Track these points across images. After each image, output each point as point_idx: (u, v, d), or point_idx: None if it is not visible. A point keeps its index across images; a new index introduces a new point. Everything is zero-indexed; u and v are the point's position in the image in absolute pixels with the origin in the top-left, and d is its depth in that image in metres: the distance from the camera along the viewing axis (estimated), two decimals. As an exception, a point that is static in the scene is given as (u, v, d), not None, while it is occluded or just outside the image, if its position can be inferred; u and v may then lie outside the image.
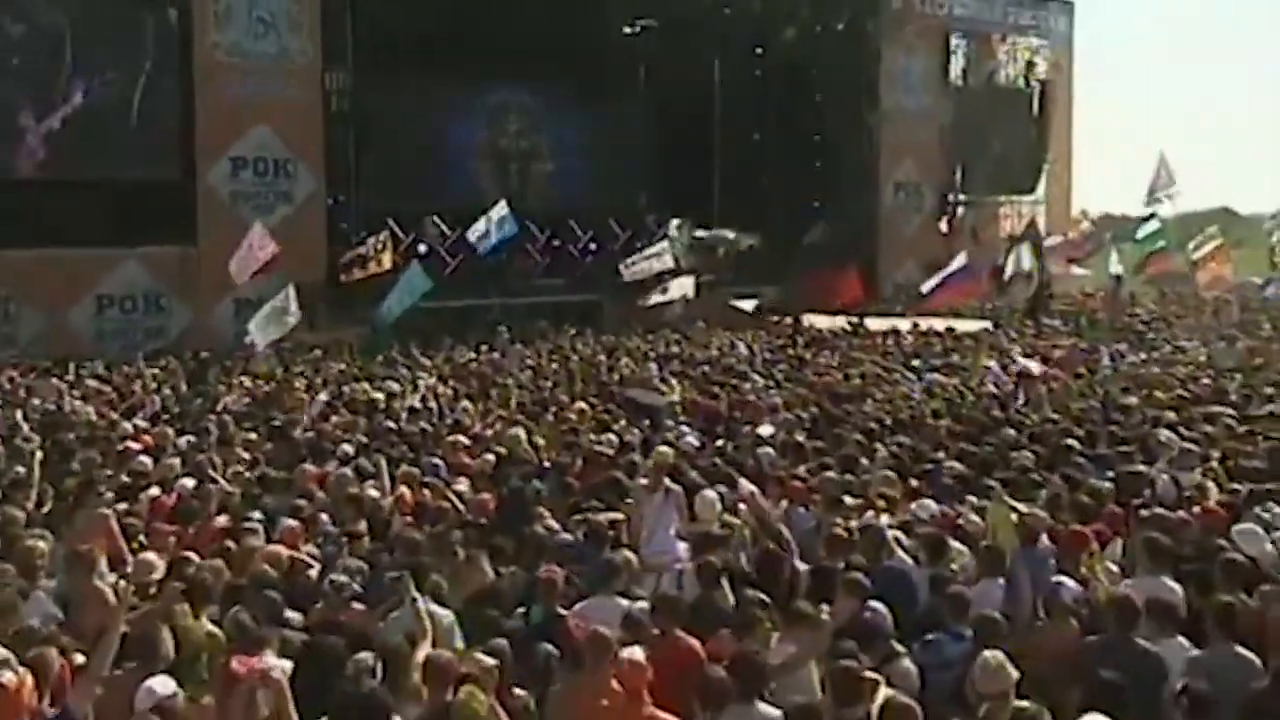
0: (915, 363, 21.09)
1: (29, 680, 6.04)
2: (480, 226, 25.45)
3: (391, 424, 14.60)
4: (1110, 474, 11.07)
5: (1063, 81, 44.05)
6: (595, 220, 36.92)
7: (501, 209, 25.30)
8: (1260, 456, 11.54)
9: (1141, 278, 34.08)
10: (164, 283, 27.72)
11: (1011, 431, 13.33)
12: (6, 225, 25.53)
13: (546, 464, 12.14)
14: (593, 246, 36.59)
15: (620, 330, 27.40)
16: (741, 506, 10.19)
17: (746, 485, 10.52)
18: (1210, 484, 10.61)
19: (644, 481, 9.65)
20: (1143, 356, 21.48)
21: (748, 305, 32.46)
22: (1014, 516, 8.22)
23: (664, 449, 11.34)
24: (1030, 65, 42.57)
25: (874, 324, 27.90)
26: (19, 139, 26.47)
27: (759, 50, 39.28)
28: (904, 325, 27.35)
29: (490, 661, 6.13)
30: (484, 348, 24.04)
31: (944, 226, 39.78)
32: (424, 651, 6.44)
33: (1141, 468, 11.34)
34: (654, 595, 7.43)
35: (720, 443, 13.32)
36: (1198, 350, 22.04)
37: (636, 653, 6.17)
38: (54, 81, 26.61)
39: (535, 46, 32.24)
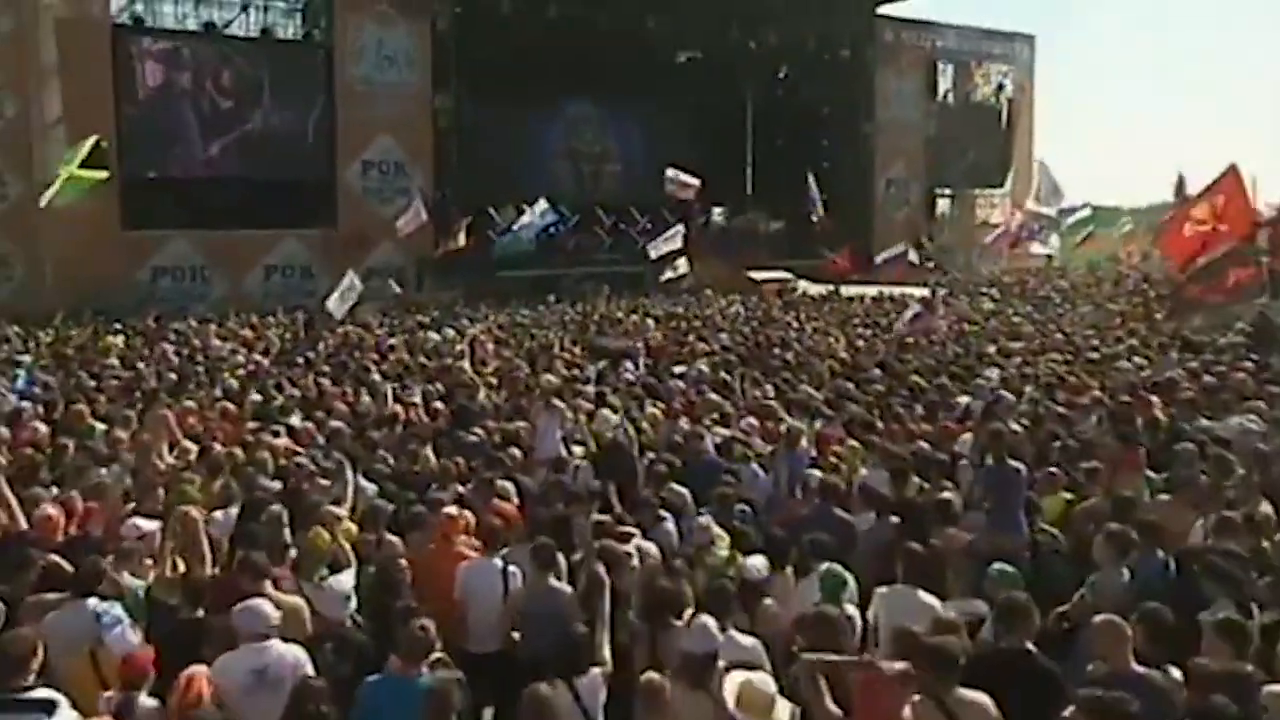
0: (855, 320, 21.36)
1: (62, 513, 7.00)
2: (524, 219, 26.14)
3: (424, 360, 15.32)
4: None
5: (1026, 99, 43.39)
6: (651, 208, 37.48)
7: (542, 205, 25.91)
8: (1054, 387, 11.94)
9: (1073, 255, 33.68)
10: (313, 256, 29.16)
11: (878, 371, 13.79)
12: (205, 213, 27.62)
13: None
14: (648, 228, 37.17)
15: (655, 294, 28.02)
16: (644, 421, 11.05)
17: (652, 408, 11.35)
18: (990, 409, 11.08)
19: (539, 401, 10.34)
20: (1035, 316, 21.37)
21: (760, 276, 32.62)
22: (783, 427, 8.84)
23: (550, 377, 12.05)
24: (1000, 86, 42.14)
25: (848, 291, 28.04)
26: (209, 151, 28.17)
27: (779, 74, 39.59)
28: (871, 292, 27.39)
29: (340, 511, 6.84)
30: (541, 307, 24.83)
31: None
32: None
33: (964, 399, 11.80)
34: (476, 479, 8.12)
35: (650, 377, 13.87)
36: (1077, 312, 21.88)
37: (452, 509, 6.92)
38: (252, 112, 28.47)
39: (604, 72, 33.10)
